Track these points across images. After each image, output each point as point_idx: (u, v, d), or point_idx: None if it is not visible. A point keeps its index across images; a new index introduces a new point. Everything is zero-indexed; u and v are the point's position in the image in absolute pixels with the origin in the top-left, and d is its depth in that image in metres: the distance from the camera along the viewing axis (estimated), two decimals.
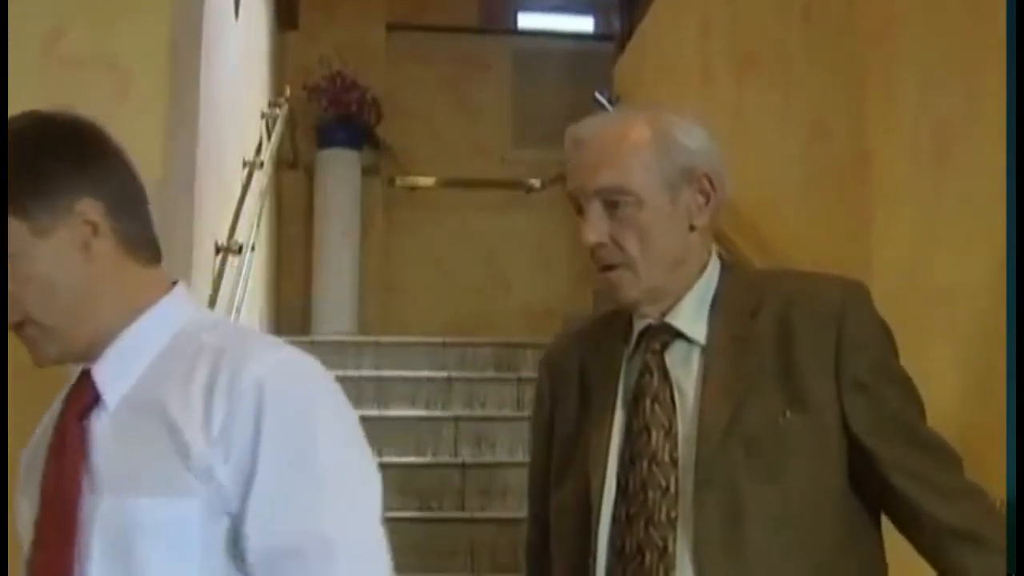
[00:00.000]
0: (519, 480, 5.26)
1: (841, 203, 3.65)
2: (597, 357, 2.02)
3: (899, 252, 3.24)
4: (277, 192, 7.46)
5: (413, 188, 8.38)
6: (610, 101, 6.61)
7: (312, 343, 6.93)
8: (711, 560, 1.79)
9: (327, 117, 7.98)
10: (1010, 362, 2.58)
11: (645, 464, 1.87)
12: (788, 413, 1.83)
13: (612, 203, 1.89)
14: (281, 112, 6.63)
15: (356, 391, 6.27)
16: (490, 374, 6.28)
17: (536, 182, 8.18)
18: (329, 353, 6.73)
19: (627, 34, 6.81)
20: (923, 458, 1.88)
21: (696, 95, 5.33)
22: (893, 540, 1.96)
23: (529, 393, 5.94)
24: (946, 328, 2.93)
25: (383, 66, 8.38)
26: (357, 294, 7.86)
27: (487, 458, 5.51)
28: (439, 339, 6.76)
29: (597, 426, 1.94)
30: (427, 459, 5.70)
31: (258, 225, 5.17)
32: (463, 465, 5.37)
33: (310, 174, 8.01)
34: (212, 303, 3.94)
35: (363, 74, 8.07)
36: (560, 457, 2.00)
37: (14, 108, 2.78)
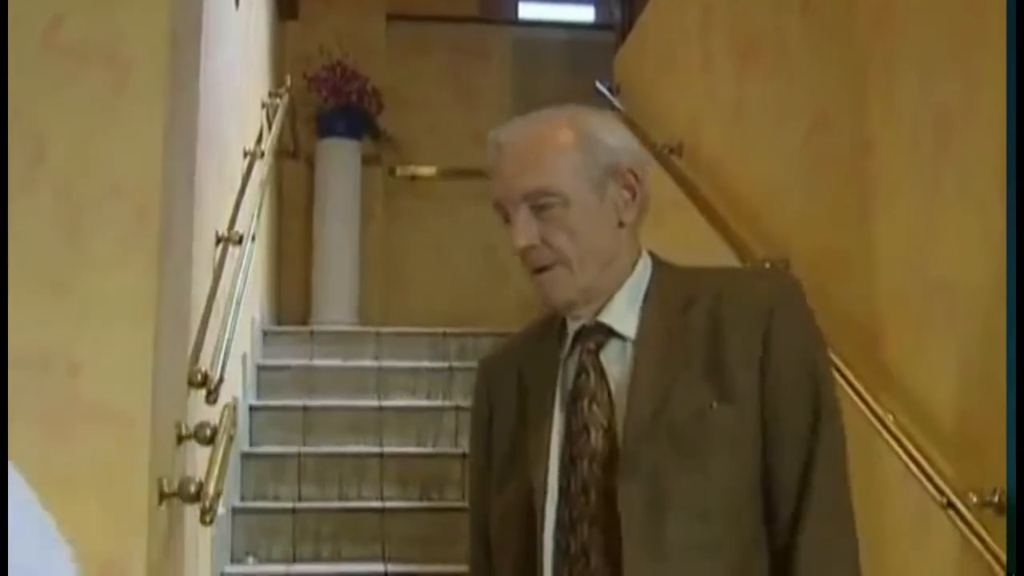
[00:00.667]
0: None
1: (841, 193, 3.65)
2: (534, 361, 2.00)
3: (899, 243, 3.24)
4: (277, 182, 7.45)
5: (413, 178, 8.38)
6: (611, 91, 6.60)
7: (312, 333, 6.95)
8: (633, 555, 1.77)
9: (327, 107, 7.97)
10: (1010, 361, 2.58)
11: (585, 464, 1.85)
12: (715, 404, 1.81)
13: (539, 206, 1.87)
14: (281, 102, 6.62)
15: (356, 381, 6.28)
16: None
17: None
18: (329, 343, 6.75)
19: (628, 24, 6.80)
20: (809, 500, 1.82)
21: (696, 85, 5.32)
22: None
23: None
24: (946, 319, 2.93)
25: (383, 56, 8.37)
26: (357, 284, 7.85)
27: None
28: (440, 329, 6.77)
29: (536, 429, 1.92)
30: (428, 449, 5.71)
31: (258, 215, 5.17)
32: (464, 455, 5.37)
33: (310, 164, 8.01)
34: (213, 293, 3.95)
35: (363, 64, 8.06)
36: (500, 463, 1.98)
37: (14, 98, 2.80)
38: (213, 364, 3.51)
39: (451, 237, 8.22)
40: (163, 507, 2.77)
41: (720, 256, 4.30)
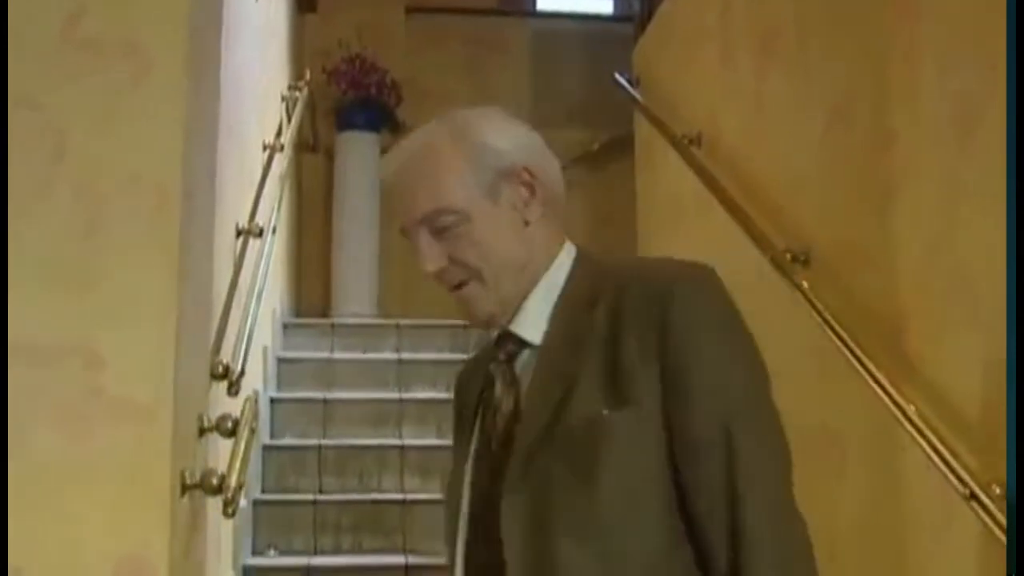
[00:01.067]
0: None
1: (863, 185, 3.63)
2: (477, 371, 1.95)
3: (922, 234, 3.23)
4: (297, 175, 7.46)
5: None
6: (631, 83, 6.58)
7: (332, 326, 6.96)
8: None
9: (346, 100, 7.98)
10: (1010, 361, 2.57)
11: (485, 478, 1.80)
12: (607, 411, 1.68)
13: (439, 227, 1.82)
14: (301, 95, 6.63)
15: (377, 374, 6.29)
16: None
17: None
18: (349, 336, 6.77)
19: (647, 15, 6.78)
20: (744, 548, 1.65)
21: (717, 76, 5.31)
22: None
23: None
24: (969, 311, 2.92)
25: (402, 49, 8.38)
26: (377, 276, 7.86)
27: None
28: (459, 321, 6.75)
29: (461, 446, 1.90)
30: (448, 441, 5.71)
31: (279, 208, 5.18)
32: None
33: (330, 157, 8.02)
34: (233, 286, 3.96)
35: (382, 57, 8.07)
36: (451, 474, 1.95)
37: (34, 92, 2.81)
38: (234, 356, 3.52)
39: None
40: (185, 499, 2.77)
41: (740, 248, 4.29)
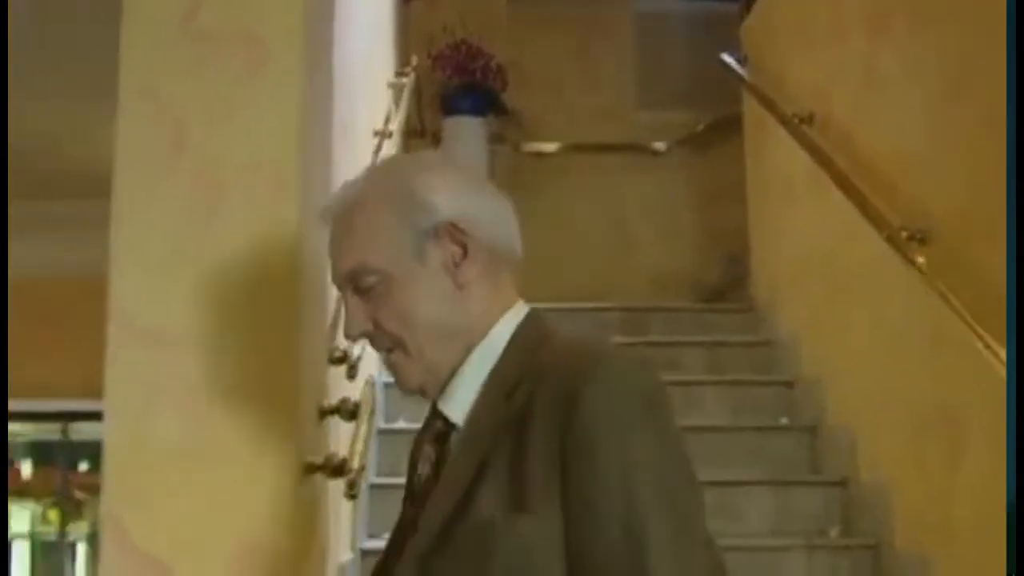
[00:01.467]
0: None
1: (981, 158, 3.58)
2: (420, 444, 1.81)
3: None
4: None
5: (539, 154, 8.39)
6: (739, 62, 6.53)
7: None
8: None
9: (452, 85, 8.00)
10: (1010, 361, 2.52)
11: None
12: (504, 516, 1.53)
13: (362, 287, 1.68)
14: (407, 82, 6.66)
15: None
16: (618, 338, 6.27)
17: (661, 145, 8.16)
18: None
19: None
20: None
21: (827, 53, 5.25)
22: None
23: (657, 356, 5.93)
24: None
25: (506, 33, 8.38)
26: None
27: None
28: (569, 304, 6.76)
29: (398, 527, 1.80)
30: None
31: None
32: None
33: (436, 142, 8.05)
34: None
35: (486, 42, 8.09)
36: None
37: (153, 83, 2.86)
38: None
39: (577, 213, 8.21)
40: (307, 482, 2.81)
41: (854, 226, 4.25)
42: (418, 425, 4.94)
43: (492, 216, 1.73)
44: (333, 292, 3.65)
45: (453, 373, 1.69)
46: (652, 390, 1.58)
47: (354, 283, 1.69)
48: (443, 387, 1.70)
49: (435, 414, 1.73)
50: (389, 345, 1.70)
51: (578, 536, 1.50)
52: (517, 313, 1.72)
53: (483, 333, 1.69)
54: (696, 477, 1.60)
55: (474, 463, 1.58)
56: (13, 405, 7.23)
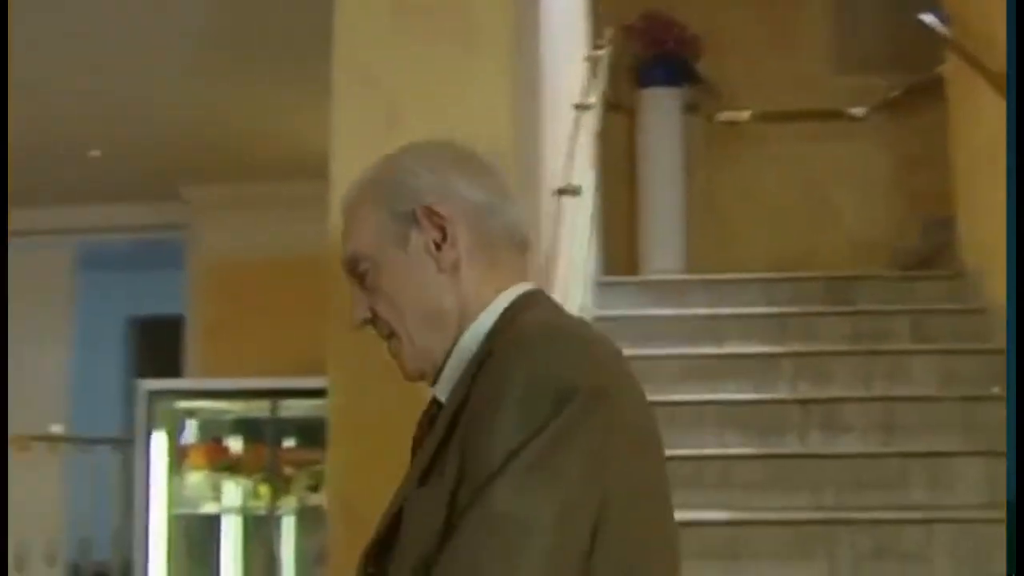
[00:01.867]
0: (859, 415, 5.18)
1: None
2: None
3: None
4: (600, 134, 7.51)
5: (734, 123, 8.30)
6: (942, 21, 6.35)
7: (643, 283, 6.99)
8: None
9: (645, 56, 7.97)
10: (1010, 362, 2.42)
11: None
12: (414, 489, 1.56)
13: (358, 275, 1.71)
14: (602, 54, 6.66)
15: (688, 330, 6.29)
16: (823, 308, 6.18)
17: (859, 110, 8.00)
18: (659, 292, 6.78)
19: None
20: None
21: None
22: None
23: (865, 326, 5.84)
24: None
25: (699, 2, 8.30)
26: (683, 232, 7.84)
27: (825, 393, 5.43)
28: (768, 275, 6.70)
29: None
30: (765, 395, 5.66)
31: (590, 168, 5.23)
32: (802, 401, 5.31)
33: (631, 114, 8.02)
34: (552, 246, 4.01)
35: (679, 11, 8.02)
36: None
37: (366, 62, 2.90)
38: None
39: (774, 181, 8.11)
40: None
41: None
42: None
43: (482, 198, 1.70)
44: (550, 264, 3.68)
45: (448, 356, 1.69)
46: (567, 387, 1.49)
47: (352, 271, 1.72)
48: (441, 371, 1.70)
49: (434, 399, 1.74)
50: (386, 332, 1.72)
51: (449, 509, 1.49)
52: (512, 294, 1.70)
53: (473, 315, 1.68)
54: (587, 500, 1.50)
55: (435, 444, 1.58)
56: (224, 384, 7.47)
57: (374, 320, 1.72)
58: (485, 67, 2.87)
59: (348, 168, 2.79)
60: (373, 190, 1.72)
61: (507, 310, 1.68)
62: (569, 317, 1.72)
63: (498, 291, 1.69)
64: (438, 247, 1.67)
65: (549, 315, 1.67)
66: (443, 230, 1.67)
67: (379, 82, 2.85)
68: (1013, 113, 2.44)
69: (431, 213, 1.67)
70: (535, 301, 1.70)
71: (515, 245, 1.73)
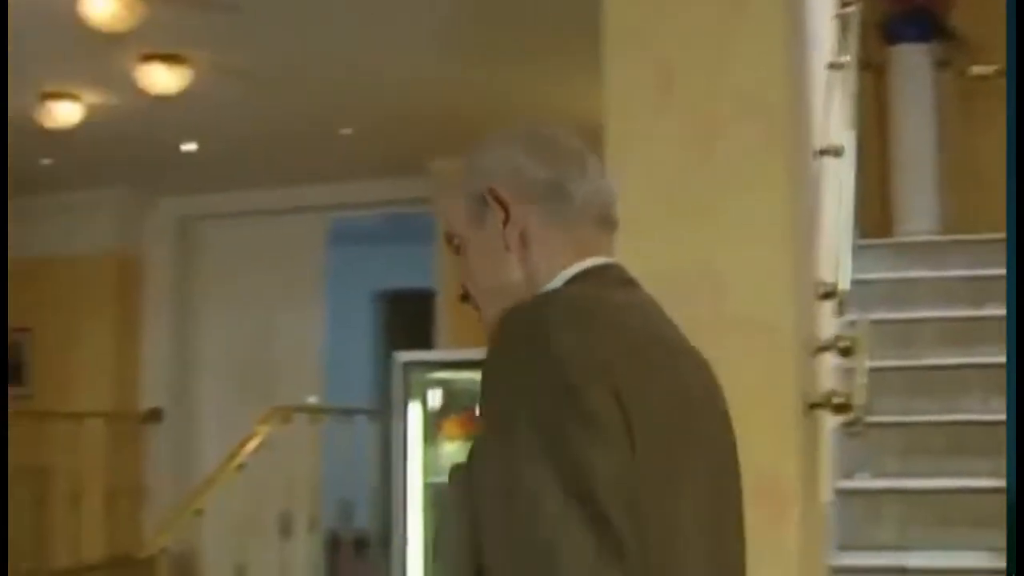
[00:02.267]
0: None
1: None
2: None
3: None
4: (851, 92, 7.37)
5: (985, 78, 8.01)
6: None
7: (896, 245, 6.83)
8: None
9: (894, 12, 7.75)
10: (1010, 362, 2.27)
11: None
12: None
13: (455, 248, 1.79)
14: (852, 11, 6.51)
15: (946, 292, 6.12)
16: None
17: None
18: (917, 254, 6.62)
19: None
20: None
21: None
22: None
23: None
24: None
25: None
26: (937, 192, 7.62)
27: None
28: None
29: None
30: None
31: (851, 127, 5.13)
32: None
33: (880, 72, 7.82)
34: (816, 208, 3.95)
35: None
36: None
37: (640, 26, 2.89)
38: (837, 278, 3.50)
39: None
40: (808, 418, 2.80)
41: None
42: (886, 363, 4.75)
43: (549, 176, 1.73)
44: (812, 228, 3.62)
45: None
46: (527, 328, 1.58)
47: (449, 246, 1.81)
48: None
49: None
50: (475, 305, 1.80)
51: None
52: (576, 268, 1.71)
53: (539, 290, 1.71)
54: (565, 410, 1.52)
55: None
56: (476, 354, 7.56)
57: (466, 293, 1.81)
58: (755, 25, 2.83)
59: (624, 131, 2.80)
60: (463, 172, 1.80)
61: (567, 284, 1.70)
62: (609, 292, 1.71)
63: (565, 267, 1.71)
64: (504, 226, 1.73)
65: (583, 288, 1.70)
66: (506, 210, 1.73)
67: (652, 43, 2.84)
68: (1013, 113, 2.33)
69: (491, 193, 1.73)
70: (593, 275, 1.72)
71: (593, 220, 1.75)
